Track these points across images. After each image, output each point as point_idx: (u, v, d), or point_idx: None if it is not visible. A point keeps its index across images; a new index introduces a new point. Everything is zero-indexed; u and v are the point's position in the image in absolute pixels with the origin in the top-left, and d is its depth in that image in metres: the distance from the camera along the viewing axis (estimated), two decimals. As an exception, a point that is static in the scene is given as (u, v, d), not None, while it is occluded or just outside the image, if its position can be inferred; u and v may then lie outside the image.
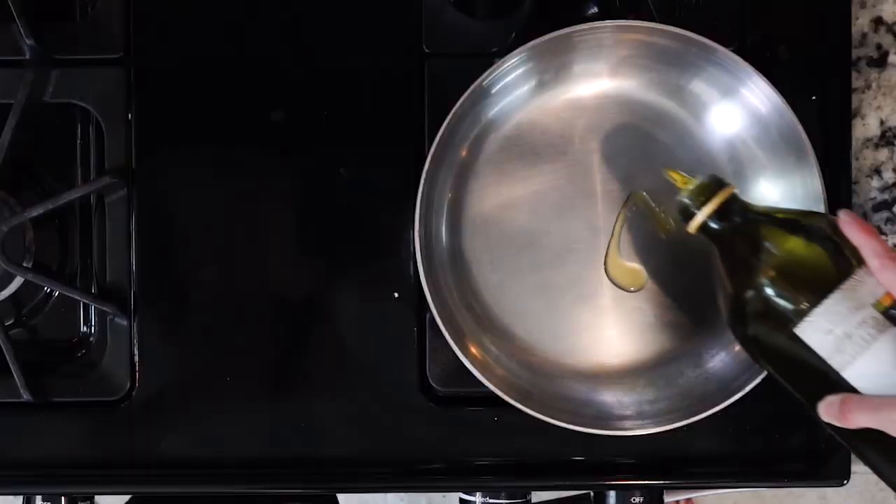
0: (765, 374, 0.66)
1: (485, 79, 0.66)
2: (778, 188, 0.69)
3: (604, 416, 0.69)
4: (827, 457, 0.72)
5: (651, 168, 0.70)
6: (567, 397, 0.70)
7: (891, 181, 0.75)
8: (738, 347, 0.69)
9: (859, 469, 0.75)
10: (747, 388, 0.66)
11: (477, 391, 0.67)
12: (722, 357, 0.70)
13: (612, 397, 0.70)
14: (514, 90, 0.69)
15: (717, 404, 0.67)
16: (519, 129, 0.70)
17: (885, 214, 0.75)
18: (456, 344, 0.66)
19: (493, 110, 0.69)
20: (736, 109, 0.69)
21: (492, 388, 0.66)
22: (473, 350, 0.68)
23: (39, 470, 0.71)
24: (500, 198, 0.70)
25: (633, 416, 0.69)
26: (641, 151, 0.70)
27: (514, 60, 0.66)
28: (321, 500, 0.74)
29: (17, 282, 0.71)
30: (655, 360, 0.71)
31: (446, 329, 0.66)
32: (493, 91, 0.68)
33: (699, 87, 0.69)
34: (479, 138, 0.70)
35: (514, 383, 0.68)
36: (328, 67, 0.71)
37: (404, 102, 0.71)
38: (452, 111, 0.66)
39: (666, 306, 0.71)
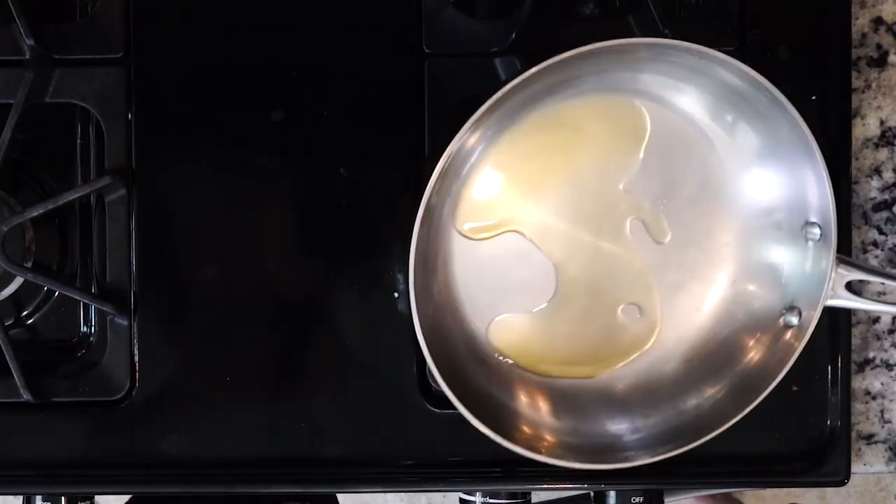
0: (771, 388, 0.66)
1: (483, 112, 0.62)
2: (783, 192, 0.68)
3: (611, 449, 0.68)
4: (827, 457, 0.72)
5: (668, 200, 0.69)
6: (575, 431, 0.69)
7: (891, 181, 0.75)
8: (742, 363, 0.69)
9: (859, 469, 0.76)
10: (753, 405, 0.66)
11: (477, 391, 0.68)
12: (724, 386, 0.69)
13: (618, 426, 0.69)
14: (494, 129, 0.67)
15: (722, 424, 0.66)
16: (506, 151, 0.68)
17: (885, 214, 0.75)
18: (506, 438, 0.65)
19: (476, 152, 0.67)
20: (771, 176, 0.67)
21: (551, 461, 0.65)
22: (524, 429, 0.67)
23: (39, 470, 0.71)
24: (487, 213, 0.69)
25: (639, 443, 0.68)
26: (628, 159, 0.69)
27: (515, 86, 0.62)
28: (321, 500, 0.74)
29: (17, 282, 0.71)
30: (660, 388, 0.70)
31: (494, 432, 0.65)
32: (470, 144, 0.66)
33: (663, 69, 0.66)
34: (475, 167, 0.68)
35: (562, 440, 0.68)
36: (328, 67, 0.71)
37: (404, 102, 0.71)
38: (448, 151, 0.63)
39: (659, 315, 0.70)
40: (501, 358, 0.70)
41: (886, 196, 0.75)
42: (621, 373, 0.71)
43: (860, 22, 0.75)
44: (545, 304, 0.70)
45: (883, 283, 0.69)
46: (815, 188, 0.65)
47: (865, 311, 0.74)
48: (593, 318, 0.70)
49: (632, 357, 0.70)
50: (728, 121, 0.68)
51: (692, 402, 0.69)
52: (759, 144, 0.68)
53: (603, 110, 0.68)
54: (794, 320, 0.67)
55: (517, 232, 0.69)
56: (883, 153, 0.75)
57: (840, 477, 0.73)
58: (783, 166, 0.67)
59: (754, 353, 0.68)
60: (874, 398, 0.76)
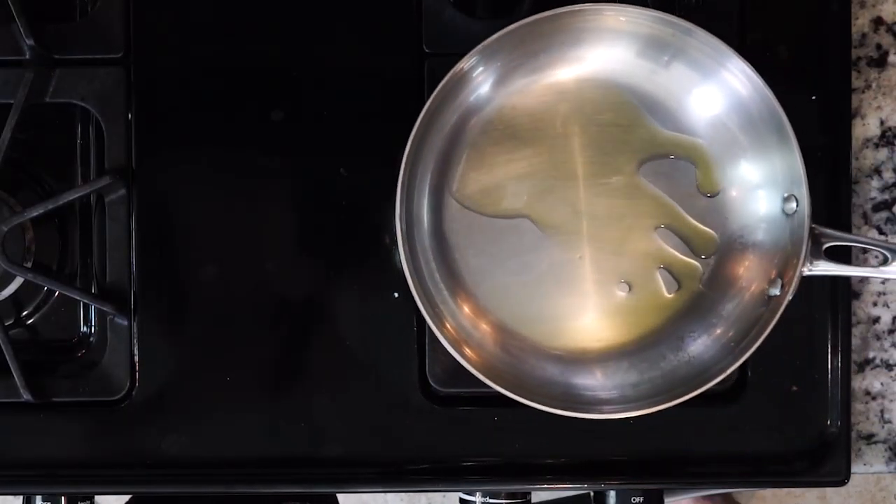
0: (746, 356, 0.65)
1: (465, 63, 0.65)
2: (759, 170, 0.69)
3: (586, 401, 0.68)
4: (827, 457, 0.72)
5: (632, 151, 0.70)
6: (549, 381, 0.69)
7: (891, 181, 0.75)
8: (718, 331, 0.69)
9: (859, 469, 0.76)
10: (727, 372, 0.65)
11: (477, 391, 0.68)
12: (703, 340, 0.69)
13: (594, 381, 0.69)
14: (496, 74, 0.69)
15: (699, 387, 0.66)
16: (500, 113, 0.70)
17: (885, 214, 0.75)
18: (434, 323, 0.66)
19: (475, 94, 0.69)
20: (717, 91, 0.68)
21: (469, 367, 0.65)
22: (449, 327, 0.68)
23: (39, 470, 0.71)
24: (481, 182, 0.70)
25: (616, 399, 0.68)
26: (623, 134, 0.70)
27: (494, 44, 0.65)
28: (321, 500, 0.74)
29: (17, 282, 0.71)
30: (637, 344, 0.70)
31: (427, 312, 0.66)
32: (475, 75, 0.68)
33: (680, 69, 0.69)
34: (460, 122, 0.69)
35: (493, 366, 0.68)
36: (328, 67, 0.71)
37: (404, 102, 0.71)
38: (432, 96, 0.65)
39: (649, 290, 0.71)
40: (492, 318, 0.71)
41: (886, 196, 0.75)
42: (614, 339, 0.71)
43: (860, 22, 0.75)
44: (532, 268, 0.70)
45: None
46: (786, 162, 0.66)
47: (848, 277, 0.74)
48: (588, 290, 0.71)
49: (621, 331, 0.71)
50: (701, 96, 0.69)
51: (681, 373, 0.69)
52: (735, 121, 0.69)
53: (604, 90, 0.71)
54: (776, 291, 0.67)
55: (522, 216, 0.70)
56: (883, 153, 0.75)
57: (840, 477, 0.73)
58: (759, 142, 0.68)
59: (737, 321, 0.69)
60: (874, 398, 0.76)
